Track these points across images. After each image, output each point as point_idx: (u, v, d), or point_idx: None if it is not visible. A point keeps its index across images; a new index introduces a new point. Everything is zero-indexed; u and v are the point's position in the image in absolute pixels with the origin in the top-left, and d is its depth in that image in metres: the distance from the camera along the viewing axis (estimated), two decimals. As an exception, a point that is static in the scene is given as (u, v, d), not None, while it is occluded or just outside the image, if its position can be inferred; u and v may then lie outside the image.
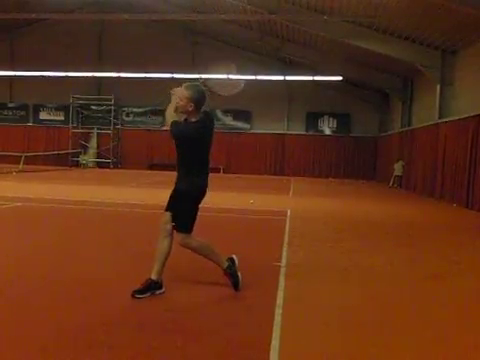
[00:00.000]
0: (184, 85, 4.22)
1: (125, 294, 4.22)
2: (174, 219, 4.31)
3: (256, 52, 27.99)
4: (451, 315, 4.22)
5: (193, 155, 4.29)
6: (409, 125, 22.55)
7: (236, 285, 4.44)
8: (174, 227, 4.31)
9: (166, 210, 4.39)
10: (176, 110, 4.29)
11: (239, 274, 4.47)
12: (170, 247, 4.36)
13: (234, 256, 4.60)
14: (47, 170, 25.66)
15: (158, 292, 4.31)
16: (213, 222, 9.53)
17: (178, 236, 4.33)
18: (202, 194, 4.38)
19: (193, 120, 4.23)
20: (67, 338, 3.32)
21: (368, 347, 3.40)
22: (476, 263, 6.51)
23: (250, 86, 28.36)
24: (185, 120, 4.31)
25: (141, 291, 4.21)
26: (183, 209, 4.31)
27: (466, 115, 14.54)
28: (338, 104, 28.86)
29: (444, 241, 8.37)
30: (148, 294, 4.23)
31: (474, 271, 5.97)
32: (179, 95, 4.19)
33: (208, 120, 4.34)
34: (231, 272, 4.46)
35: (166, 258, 4.35)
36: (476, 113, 13.73)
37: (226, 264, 4.48)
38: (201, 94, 4.19)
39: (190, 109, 4.16)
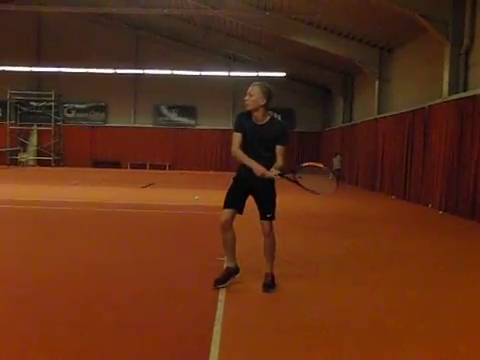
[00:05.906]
0: (255, 83, 4.70)
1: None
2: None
3: (201, 48, 27.91)
4: (383, 303, 4.43)
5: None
6: (350, 120, 23.26)
7: (217, 282, 4.66)
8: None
9: None
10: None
11: (225, 285, 4.66)
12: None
13: (237, 275, 4.88)
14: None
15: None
16: (158, 219, 9.50)
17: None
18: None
19: (263, 114, 4.64)
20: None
21: (302, 339, 3.53)
22: (413, 251, 6.84)
23: (195, 82, 28.27)
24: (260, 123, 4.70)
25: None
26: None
27: (402, 111, 15.16)
28: (282, 100, 29.01)
29: (381, 232, 8.74)
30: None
31: (410, 259, 6.28)
32: (250, 91, 4.64)
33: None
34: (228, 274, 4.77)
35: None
36: (411, 109, 14.35)
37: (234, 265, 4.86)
38: (271, 92, 4.69)
39: (262, 103, 4.61)
